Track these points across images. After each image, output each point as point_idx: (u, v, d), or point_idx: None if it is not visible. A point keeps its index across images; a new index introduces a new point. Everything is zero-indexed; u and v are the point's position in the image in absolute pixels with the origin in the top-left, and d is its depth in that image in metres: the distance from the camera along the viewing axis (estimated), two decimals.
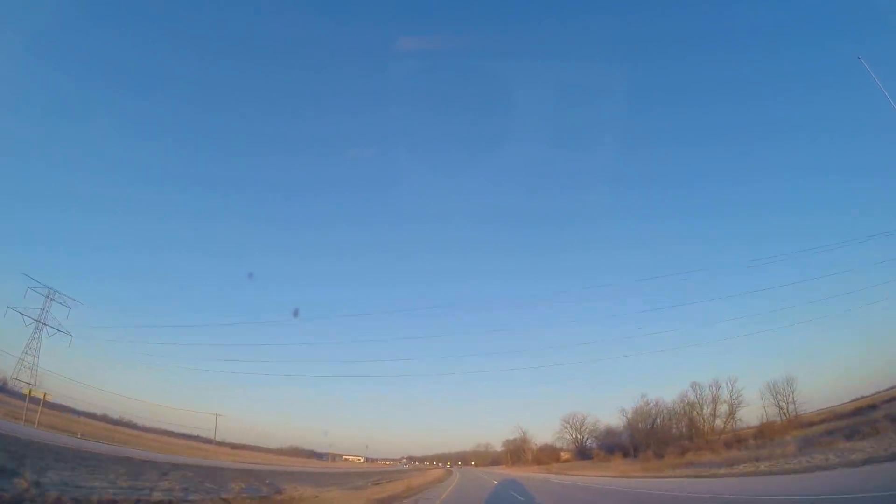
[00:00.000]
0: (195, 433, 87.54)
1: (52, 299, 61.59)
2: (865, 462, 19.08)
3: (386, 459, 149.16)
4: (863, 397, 48.30)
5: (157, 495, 13.46)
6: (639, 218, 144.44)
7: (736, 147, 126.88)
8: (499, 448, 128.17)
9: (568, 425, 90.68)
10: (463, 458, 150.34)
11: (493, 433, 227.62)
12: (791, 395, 54.75)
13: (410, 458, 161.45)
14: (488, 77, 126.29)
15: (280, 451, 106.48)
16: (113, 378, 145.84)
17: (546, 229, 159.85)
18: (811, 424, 43.83)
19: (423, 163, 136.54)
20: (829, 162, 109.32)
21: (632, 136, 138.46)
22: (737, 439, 47.76)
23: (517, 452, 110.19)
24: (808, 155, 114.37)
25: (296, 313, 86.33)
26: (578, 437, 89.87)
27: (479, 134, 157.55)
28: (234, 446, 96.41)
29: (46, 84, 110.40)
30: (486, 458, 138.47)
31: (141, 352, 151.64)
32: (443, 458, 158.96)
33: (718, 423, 59.17)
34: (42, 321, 61.35)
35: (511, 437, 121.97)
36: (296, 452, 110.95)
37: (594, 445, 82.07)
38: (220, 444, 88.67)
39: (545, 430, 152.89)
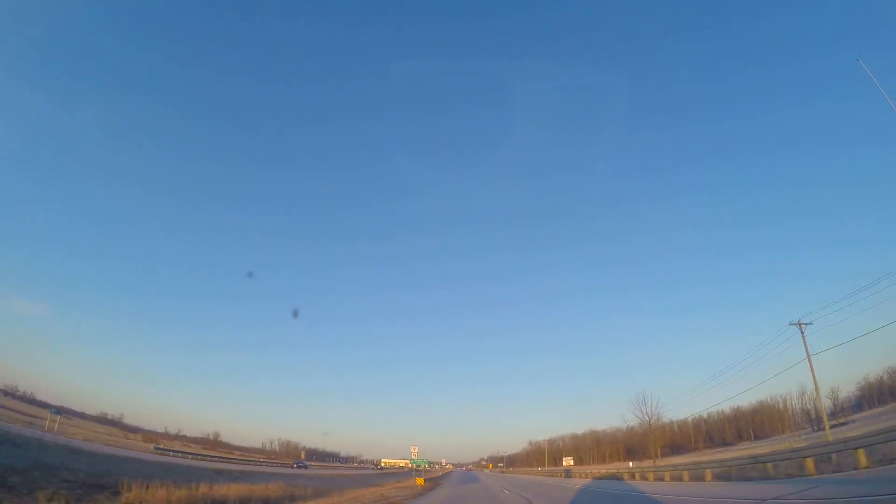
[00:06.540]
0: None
1: None
2: None
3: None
4: None
5: None
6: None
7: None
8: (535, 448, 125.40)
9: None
10: (508, 461, 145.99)
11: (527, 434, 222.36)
12: None
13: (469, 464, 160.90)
14: (485, 75, 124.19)
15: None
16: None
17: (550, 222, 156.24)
18: None
19: (449, 165, 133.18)
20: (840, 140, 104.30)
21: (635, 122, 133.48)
22: None
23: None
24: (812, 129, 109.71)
25: (295, 314, 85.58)
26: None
27: (482, 132, 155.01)
28: (246, 450, 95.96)
29: (47, 91, 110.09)
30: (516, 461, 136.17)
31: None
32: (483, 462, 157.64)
33: None
34: None
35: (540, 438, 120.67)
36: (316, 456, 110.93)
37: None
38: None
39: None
